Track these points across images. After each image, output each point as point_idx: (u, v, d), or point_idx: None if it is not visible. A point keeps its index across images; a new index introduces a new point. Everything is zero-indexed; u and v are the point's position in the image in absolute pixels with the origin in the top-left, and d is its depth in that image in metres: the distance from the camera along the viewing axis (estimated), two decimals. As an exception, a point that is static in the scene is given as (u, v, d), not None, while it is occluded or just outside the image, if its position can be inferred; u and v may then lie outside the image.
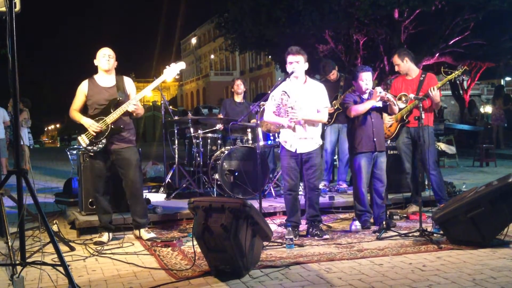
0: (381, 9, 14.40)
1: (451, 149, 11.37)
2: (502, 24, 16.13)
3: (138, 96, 5.46)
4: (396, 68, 6.69)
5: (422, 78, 6.48)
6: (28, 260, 4.04)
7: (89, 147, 5.37)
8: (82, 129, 5.38)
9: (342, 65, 18.21)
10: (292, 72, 5.44)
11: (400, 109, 6.09)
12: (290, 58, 5.47)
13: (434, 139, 6.66)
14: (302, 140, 5.46)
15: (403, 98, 5.73)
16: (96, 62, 5.48)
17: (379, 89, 5.78)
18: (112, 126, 5.34)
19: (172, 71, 5.52)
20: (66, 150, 8.21)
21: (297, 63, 5.44)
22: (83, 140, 5.37)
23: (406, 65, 6.57)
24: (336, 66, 7.96)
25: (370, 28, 17.53)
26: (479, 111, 20.08)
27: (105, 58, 5.42)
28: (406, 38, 16.85)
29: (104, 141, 5.34)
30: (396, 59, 6.63)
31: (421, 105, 5.56)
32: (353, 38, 18.62)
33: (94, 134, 5.31)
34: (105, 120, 5.32)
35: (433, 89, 6.24)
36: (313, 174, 5.49)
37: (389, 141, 6.89)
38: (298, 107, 5.41)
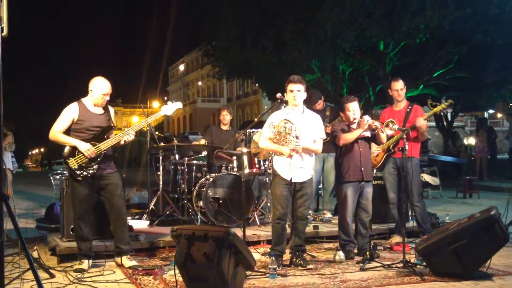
0: (366, 40, 14.64)
1: (435, 181, 11.43)
2: (485, 58, 16.45)
3: (135, 127, 5.53)
4: (396, 94, 6.63)
5: (408, 110, 6.56)
6: (7, 287, 3.97)
7: (78, 171, 5.30)
8: (71, 152, 5.31)
9: (328, 95, 18.41)
10: (287, 101, 5.48)
11: (388, 138, 6.14)
12: (291, 87, 5.46)
13: (419, 170, 6.68)
14: (298, 169, 5.44)
15: (390, 125, 5.78)
16: (91, 88, 5.41)
17: (366, 117, 5.81)
18: (105, 153, 5.36)
19: (170, 108, 5.74)
20: (49, 175, 8.13)
21: (298, 91, 5.44)
22: (72, 163, 5.29)
23: (404, 93, 6.66)
24: (322, 96, 8.03)
25: (355, 59, 17.79)
26: (462, 142, 20.29)
27: (105, 97, 5.44)
28: (391, 70, 17.12)
29: (95, 166, 5.33)
30: (401, 84, 6.62)
31: (405, 136, 5.62)
32: (339, 69, 18.87)
33: (87, 158, 5.27)
34: (99, 146, 5.32)
35: (419, 120, 6.34)
36: (304, 203, 5.49)
37: (375, 171, 6.91)
38: (300, 136, 5.43)
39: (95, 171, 5.32)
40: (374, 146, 6.50)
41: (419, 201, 6.53)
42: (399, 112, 6.62)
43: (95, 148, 5.30)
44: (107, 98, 5.48)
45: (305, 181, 5.48)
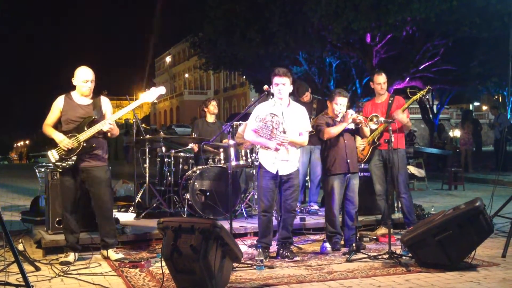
0: (353, 33, 14.66)
1: (420, 172, 11.51)
2: (470, 50, 16.56)
3: (114, 116, 5.39)
4: (379, 87, 6.67)
5: (390, 101, 6.61)
6: (-9, 280, 3.94)
7: (58, 163, 5.27)
8: (52, 144, 5.30)
9: (315, 87, 18.45)
10: (273, 94, 5.45)
11: (371, 131, 6.16)
12: (277, 80, 5.42)
13: (406, 162, 6.69)
14: (283, 162, 5.44)
15: (374, 119, 5.80)
16: (74, 82, 5.40)
17: (350, 111, 5.83)
18: (84, 144, 5.27)
19: (151, 95, 5.48)
20: (34, 167, 8.05)
21: (283, 85, 5.41)
22: (53, 155, 5.27)
23: (386, 86, 6.70)
24: (309, 88, 8.03)
25: (342, 52, 17.82)
26: (448, 135, 20.43)
27: (86, 84, 5.35)
28: (378, 62, 17.17)
29: (74, 158, 5.26)
30: (384, 77, 6.67)
31: (390, 127, 5.65)
32: (326, 61, 18.89)
33: (65, 150, 5.22)
34: (78, 137, 5.25)
35: (397, 113, 6.35)
36: (291, 195, 5.49)
37: (362, 165, 6.92)
38: (287, 130, 5.42)
39: (73, 162, 5.25)
40: (359, 140, 6.52)
41: (405, 193, 6.56)
42: (381, 104, 6.66)
43: (74, 139, 5.22)
44: (90, 84, 5.37)
45: (291, 173, 5.49)
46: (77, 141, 5.24)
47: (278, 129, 5.39)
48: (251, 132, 5.51)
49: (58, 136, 5.25)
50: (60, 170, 5.32)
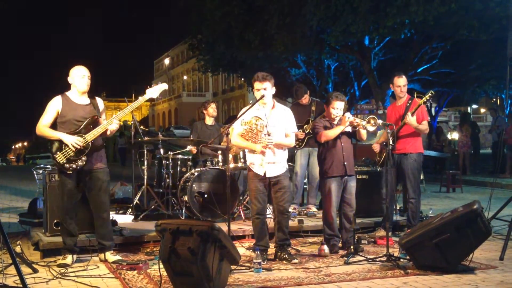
0: (352, 36, 14.68)
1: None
2: (469, 53, 16.59)
3: (120, 114, 5.43)
4: (399, 90, 6.64)
5: (408, 104, 6.56)
6: (-12, 283, 3.93)
7: (67, 165, 5.20)
8: (58, 147, 5.22)
9: (314, 90, 18.49)
10: (261, 97, 5.46)
11: (379, 134, 6.18)
12: (257, 85, 5.47)
13: (416, 166, 6.57)
14: (270, 164, 5.46)
15: (372, 121, 5.76)
16: (70, 80, 5.37)
17: (348, 114, 5.83)
18: (93, 144, 5.25)
19: (155, 91, 5.55)
20: (32, 169, 8.05)
21: (264, 89, 5.44)
22: (60, 157, 5.19)
23: (406, 89, 6.70)
24: (308, 90, 8.05)
25: (341, 54, 17.85)
26: (446, 137, 20.45)
27: (84, 79, 5.34)
28: (376, 65, 17.21)
29: (84, 158, 5.22)
30: (404, 80, 6.66)
31: (389, 131, 5.65)
32: (325, 63, 18.91)
33: (75, 149, 5.16)
34: (85, 137, 5.22)
35: (408, 115, 6.33)
36: (282, 197, 5.50)
37: (379, 168, 6.87)
38: (271, 133, 5.43)
39: (84, 163, 5.23)
40: (376, 144, 6.58)
41: (413, 197, 6.53)
42: (400, 107, 6.65)
43: (82, 139, 5.21)
44: (87, 80, 5.36)
45: (280, 175, 5.49)
46: (85, 141, 5.22)
47: (262, 131, 5.41)
48: (237, 136, 5.54)
49: (67, 137, 5.18)
50: (70, 173, 5.24)
